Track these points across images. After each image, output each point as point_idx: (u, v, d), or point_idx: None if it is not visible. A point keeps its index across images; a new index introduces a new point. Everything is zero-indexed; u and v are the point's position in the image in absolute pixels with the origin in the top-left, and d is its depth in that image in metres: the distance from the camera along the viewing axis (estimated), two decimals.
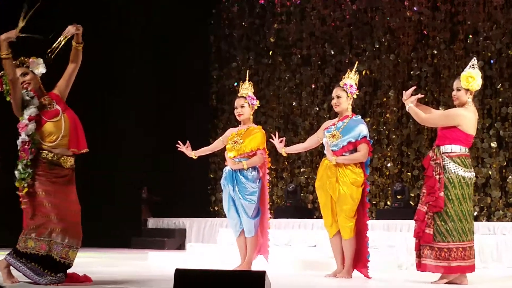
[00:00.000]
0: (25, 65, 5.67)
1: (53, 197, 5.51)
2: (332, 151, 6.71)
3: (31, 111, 5.55)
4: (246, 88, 7.33)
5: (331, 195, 6.71)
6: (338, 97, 6.87)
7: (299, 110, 14.50)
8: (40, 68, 5.70)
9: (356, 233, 6.69)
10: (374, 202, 13.23)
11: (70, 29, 5.68)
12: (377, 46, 13.73)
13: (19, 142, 5.53)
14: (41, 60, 5.70)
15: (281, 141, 7.13)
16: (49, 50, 5.67)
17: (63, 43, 5.68)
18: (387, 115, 13.58)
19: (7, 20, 5.87)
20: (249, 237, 7.04)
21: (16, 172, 5.50)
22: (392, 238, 9.50)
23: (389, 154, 13.50)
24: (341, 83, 6.94)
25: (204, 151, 7.56)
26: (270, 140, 7.19)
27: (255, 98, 7.30)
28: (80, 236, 5.61)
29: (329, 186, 6.70)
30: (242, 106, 7.23)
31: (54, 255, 5.45)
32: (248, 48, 15.14)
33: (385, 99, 13.64)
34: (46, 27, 5.92)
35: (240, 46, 15.22)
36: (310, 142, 7.21)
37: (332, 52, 14.18)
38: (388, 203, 13.13)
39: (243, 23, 15.24)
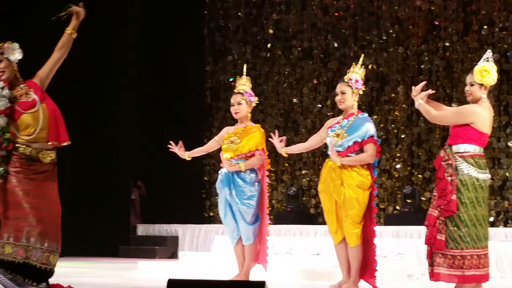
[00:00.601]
0: None
1: (32, 197, 5.46)
2: (337, 151, 6.72)
3: (0, 103, 5.48)
4: (243, 84, 7.34)
5: (336, 199, 6.71)
6: (342, 93, 6.86)
7: (300, 107, 14.52)
8: (16, 54, 5.60)
9: (362, 240, 6.69)
10: (382, 207, 13.26)
11: (81, 11, 5.66)
12: (385, 38, 13.77)
13: None
14: (17, 45, 5.61)
15: (281, 141, 7.11)
16: (54, 17, 5.60)
17: (66, 15, 5.63)
18: (396, 113, 13.61)
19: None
20: (247, 245, 7.06)
21: None
22: (401, 246, 9.51)
23: (398, 154, 13.53)
24: (345, 78, 6.93)
25: (198, 151, 7.58)
26: (269, 139, 7.19)
27: (253, 94, 7.32)
28: (60, 239, 5.56)
29: (334, 189, 6.70)
30: (239, 103, 7.24)
31: (33, 262, 5.40)
32: (245, 40, 15.17)
33: (393, 95, 13.67)
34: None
35: (236, 38, 15.25)
36: (312, 142, 7.18)
37: (336, 45, 14.21)
38: (397, 207, 13.16)
39: (239, 14, 15.28)
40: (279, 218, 12.59)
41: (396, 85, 13.63)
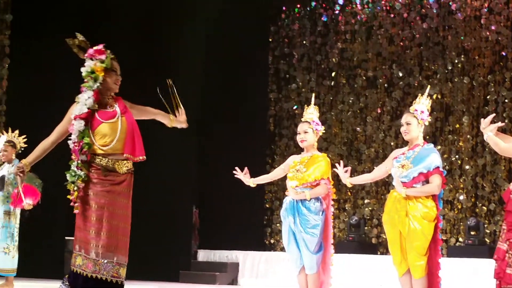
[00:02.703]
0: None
1: (103, 210, 5.50)
2: (402, 182, 6.64)
3: (80, 108, 5.56)
4: (311, 113, 7.33)
5: (400, 230, 6.63)
6: (407, 123, 6.79)
7: (363, 136, 14.43)
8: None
9: (427, 273, 6.59)
10: (444, 238, 13.04)
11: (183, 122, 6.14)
12: (450, 68, 13.62)
13: (70, 143, 5.55)
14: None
15: (346, 171, 7.07)
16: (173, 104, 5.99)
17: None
18: (460, 143, 13.43)
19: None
20: (311, 274, 6.99)
21: (67, 175, 5.52)
22: (466, 279, 9.34)
23: (461, 185, 13.33)
24: (411, 109, 6.86)
25: (264, 179, 7.57)
26: (334, 169, 7.14)
27: (319, 123, 7.29)
28: (127, 253, 5.59)
29: (398, 220, 6.62)
30: (306, 132, 7.22)
31: (103, 276, 5.43)
32: (309, 69, 15.17)
33: (458, 125, 13.49)
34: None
35: (300, 66, 15.25)
36: (378, 173, 7.13)
37: (400, 74, 14.11)
38: (460, 239, 12.94)
39: (304, 42, 15.29)
40: (340, 247, 12.48)
41: (461, 115, 13.45)
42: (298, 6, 15.45)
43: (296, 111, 15.07)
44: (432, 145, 6.84)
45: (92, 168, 5.55)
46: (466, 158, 13.33)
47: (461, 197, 13.24)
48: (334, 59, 14.89)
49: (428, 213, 6.59)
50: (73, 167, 5.50)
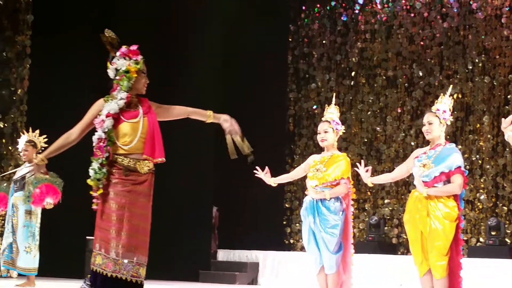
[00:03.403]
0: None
1: (124, 210, 5.49)
2: (424, 181, 6.62)
3: (111, 107, 5.56)
4: (331, 112, 7.33)
5: (422, 230, 6.60)
6: (429, 123, 6.77)
7: (383, 136, 14.40)
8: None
9: (449, 273, 6.56)
10: (465, 238, 12.97)
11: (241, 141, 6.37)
12: (470, 67, 13.57)
13: (94, 138, 5.53)
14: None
15: (367, 171, 7.05)
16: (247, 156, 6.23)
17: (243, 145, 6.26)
18: (481, 143, 13.37)
19: None
20: (330, 274, 6.98)
21: (90, 171, 5.50)
22: (487, 279, 9.30)
23: (482, 185, 13.27)
24: (433, 108, 6.84)
25: (284, 178, 7.57)
26: (355, 169, 7.13)
27: (340, 123, 7.29)
28: (147, 253, 5.57)
29: (420, 220, 6.60)
30: (326, 131, 7.22)
31: (123, 276, 5.42)
32: (329, 68, 15.15)
33: (478, 125, 13.44)
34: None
35: (320, 66, 15.24)
36: (399, 172, 7.10)
37: (421, 74, 14.06)
38: (481, 239, 12.88)
39: (324, 42, 15.27)
40: (360, 247, 12.44)
41: (481, 115, 13.40)
42: (318, 5, 15.43)
43: (315, 111, 15.05)
44: (454, 145, 6.82)
45: (113, 168, 5.53)
46: (487, 158, 13.27)
47: (482, 197, 13.18)
48: (354, 59, 14.86)
49: (450, 213, 6.56)
50: (96, 164, 5.49)
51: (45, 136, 9.83)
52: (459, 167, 6.62)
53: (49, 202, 9.41)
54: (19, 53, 12.97)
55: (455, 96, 13.37)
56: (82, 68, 12.85)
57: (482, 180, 13.28)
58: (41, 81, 13.01)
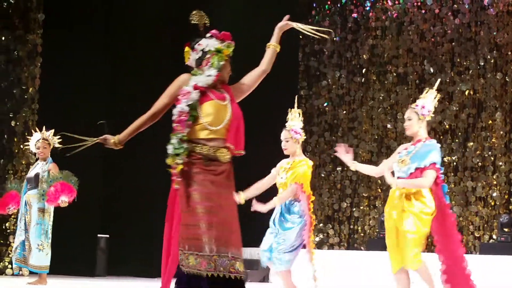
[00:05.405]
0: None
1: (209, 201, 5.00)
2: (401, 177, 6.64)
3: (200, 79, 5.14)
4: (292, 119, 7.38)
5: (397, 226, 6.62)
6: (408, 119, 6.75)
7: (394, 133, 14.40)
8: None
9: (449, 266, 6.55)
10: (477, 235, 13.01)
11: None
12: (482, 63, 13.56)
13: (175, 111, 5.04)
14: None
15: (347, 152, 6.99)
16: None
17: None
18: (493, 140, 13.37)
19: None
20: (279, 272, 7.17)
21: (169, 147, 5.00)
22: (499, 276, 9.32)
23: (494, 182, 13.27)
24: (413, 104, 6.83)
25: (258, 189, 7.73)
26: (335, 154, 7.13)
27: (299, 131, 7.28)
28: (241, 245, 5.03)
29: (396, 216, 6.64)
30: (287, 141, 7.31)
31: (220, 273, 4.89)
32: (340, 65, 15.15)
33: (490, 122, 13.43)
34: None
35: (330, 63, 15.24)
36: (384, 168, 6.98)
37: (432, 70, 14.07)
38: (494, 236, 12.89)
39: (334, 39, 15.28)
40: (371, 244, 12.46)
41: (494, 111, 13.39)
42: (329, 3, 15.44)
43: (326, 108, 15.07)
44: (434, 141, 6.77)
45: (193, 158, 5.05)
46: (499, 155, 13.27)
47: (494, 194, 13.18)
48: (364, 56, 14.87)
49: (424, 208, 6.56)
50: (176, 139, 5.01)
51: (59, 136, 9.86)
52: (434, 163, 6.58)
53: (64, 200, 9.46)
54: (30, 52, 13.02)
55: (466, 92, 13.41)
56: (93, 67, 12.92)
57: (494, 177, 13.28)
58: (53, 80, 13.08)
